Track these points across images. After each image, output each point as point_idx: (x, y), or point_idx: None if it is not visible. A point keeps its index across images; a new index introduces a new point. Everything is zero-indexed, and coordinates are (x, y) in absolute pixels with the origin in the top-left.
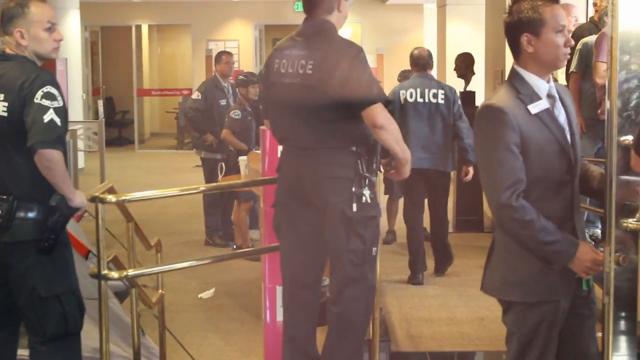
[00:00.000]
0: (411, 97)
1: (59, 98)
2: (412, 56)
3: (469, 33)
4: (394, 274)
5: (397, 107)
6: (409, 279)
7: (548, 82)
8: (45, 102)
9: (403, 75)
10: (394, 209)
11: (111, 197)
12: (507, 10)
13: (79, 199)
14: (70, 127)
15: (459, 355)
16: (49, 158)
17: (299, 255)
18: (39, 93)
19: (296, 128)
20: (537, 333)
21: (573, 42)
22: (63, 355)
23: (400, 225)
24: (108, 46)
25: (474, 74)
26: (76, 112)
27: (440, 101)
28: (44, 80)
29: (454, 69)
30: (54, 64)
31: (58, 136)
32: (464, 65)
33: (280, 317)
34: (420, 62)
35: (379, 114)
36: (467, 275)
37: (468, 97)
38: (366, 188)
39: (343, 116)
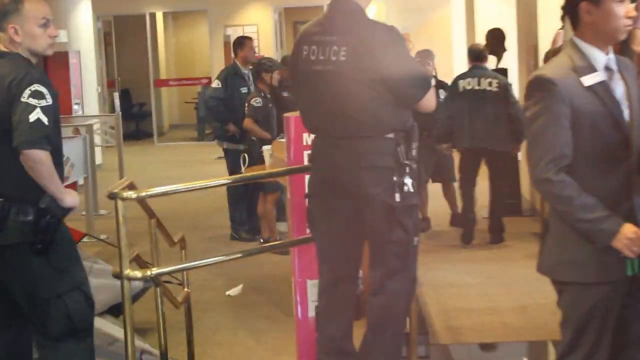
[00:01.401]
0: (469, 85)
1: (48, 96)
2: (468, 50)
3: (499, 8)
4: (430, 263)
5: (455, 96)
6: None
7: (607, 54)
8: (32, 101)
9: (421, 55)
10: (424, 196)
11: (131, 193)
12: None
13: (70, 198)
14: (86, 121)
15: (502, 346)
16: (34, 159)
17: (336, 248)
18: (27, 92)
19: (330, 117)
20: (593, 316)
21: (635, 13)
22: (71, 351)
23: (432, 211)
24: (122, 36)
25: (505, 50)
26: (91, 106)
27: (495, 88)
28: (32, 79)
29: (485, 46)
30: (66, 57)
31: (44, 136)
32: (495, 41)
33: (312, 313)
34: (475, 54)
35: (433, 99)
36: (506, 262)
37: (500, 74)
38: (407, 176)
39: (381, 103)
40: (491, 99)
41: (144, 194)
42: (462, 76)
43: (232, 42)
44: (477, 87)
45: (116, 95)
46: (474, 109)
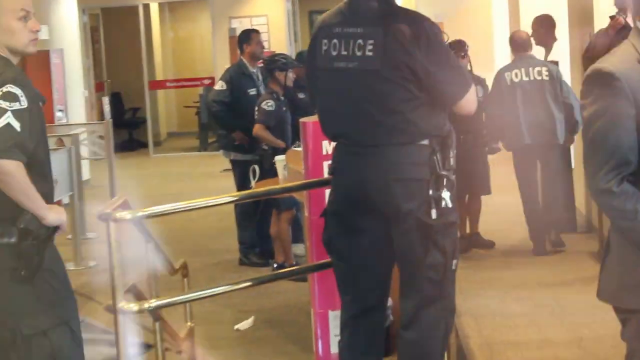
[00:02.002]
0: (516, 77)
1: (23, 99)
2: (511, 39)
3: None
4: (470, 289)
5: (504, 90)
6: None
7: None
8: (3, 104)
9: (452, 47)
10: (462, 210)
11: (125, 214)
12: None
13: (53, 216)
14: (71, 131)
15: None
16: (2, 170)
17: (360, 274)
18: None
19: (355, 122)
20: None
21: None
22: None
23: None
24: (111, 32)
25: (555, 39)
26: (77, 112)
27: (545, 77)
28: (5, 79)
29: (531, 35)
30: (47, 56)
31: (15, 144)
32: (543, 30)
33: (335, 349)
34: (519, 43)
35: (474, 100)
36: (558, 287)
37: None
38: (445, 189)
39: (414, 105)
40: (545, 90)
41: (139, 214)
42: (507, 68)
43: (238, 36)
44: (526, 78)
45: (105, 99)
46: (527, 102)
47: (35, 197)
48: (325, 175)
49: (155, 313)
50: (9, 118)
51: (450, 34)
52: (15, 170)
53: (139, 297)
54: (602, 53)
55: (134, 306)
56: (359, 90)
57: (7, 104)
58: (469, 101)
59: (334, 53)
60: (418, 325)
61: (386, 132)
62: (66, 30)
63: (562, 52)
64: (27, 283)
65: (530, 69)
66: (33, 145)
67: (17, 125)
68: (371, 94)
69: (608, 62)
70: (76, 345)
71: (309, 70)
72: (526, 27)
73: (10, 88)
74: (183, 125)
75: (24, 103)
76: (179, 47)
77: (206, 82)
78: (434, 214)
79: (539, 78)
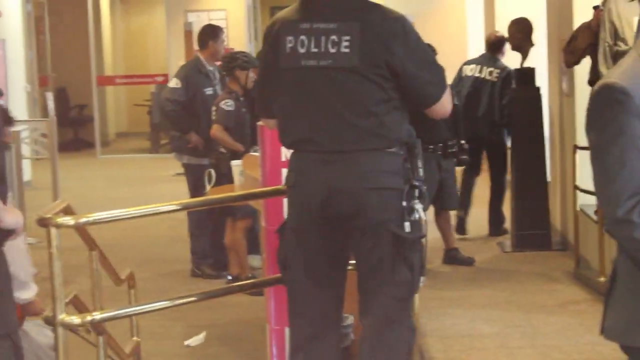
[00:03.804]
0: (471, 71)
1: None
2: (485, 39)
3: None
4: (435, 308)
5: (459, 81)
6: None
7: None
8: None
9: None
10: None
11: (68, 219)
12: None
13: (10, 217)
14: (12, 128)
15: None
16: None
17: (318, 293)
18: None
19: (323, 126)
20: None
21: None
22: None
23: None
24: (58, 22)
25: (532, 45)
26: (18, 108)
27: (494, 79)
28: None
29: (508, 40)
30: None
31: None
32: (520, 34)
33: None
34: (490, 43)
35: (450, 101)
36: (530, 307)
37: (526, 75)
38: (417, 201)
39: (389, 108)
40: (487, 89)
41: (83, 220)
42: (469, 62)
43: (194, 31)
44: (477, 75)
45: (50, 95)
46: (472, 96)
47: None
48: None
49: (99, 326)
50: None
51: (421, 36)
52: None
53: (82, 309)
54: (584, 46)
55: (75, 319)
56: (330, 90)
57: None
58: (446, 102)
59: (302, 50)
60: (382, 346)
61: (359, 136)
62: (8, 21)
63: (539, 57)
64: None
65: (485, 67)
66: None
67: None
68: (345, 94)
69: (616, 76)
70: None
71: (266, 71)
72: (501, 28)
73: None
74: (133, 125)
75: None
76: (131, 41)
77: (159, 79)
78: (407, 226)
79: (488, 78)
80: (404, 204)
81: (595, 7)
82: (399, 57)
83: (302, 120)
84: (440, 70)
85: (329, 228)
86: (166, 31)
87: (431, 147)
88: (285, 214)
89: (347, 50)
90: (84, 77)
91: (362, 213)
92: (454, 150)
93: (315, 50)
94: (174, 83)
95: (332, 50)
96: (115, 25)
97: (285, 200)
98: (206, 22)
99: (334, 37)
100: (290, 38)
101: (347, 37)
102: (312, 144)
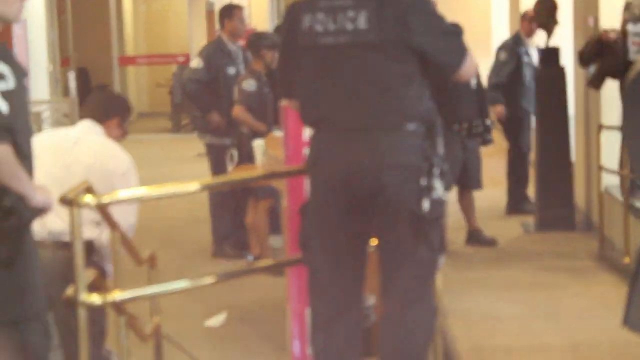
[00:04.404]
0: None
1: (10, 77)
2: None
3: None
4: (460, 289)
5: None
6: None
7: None
8: None
9: None
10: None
11: (89, 199)
12: None
13: (40, 196)
14: (34, 108)
15: None
16: None
17: (339, 273)
18: None
19: (343, 104)
20: None
21: None
22: None
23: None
24: (79, 2)
25: (556, 23)
26: (40, 88)
27: None
28: None
29: (533, 18)
30: (8, 28)
31: (3, 127)
32: (545, 12)
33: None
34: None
35: (472, 64)
36: (554, 289)
37: (550, 54)
38: (437, 179)
39: (409, 83)
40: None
41: (105, 199)
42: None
43: (216, 11)
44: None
45: (71, 75)
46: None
47: (23, 178)
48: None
49: (120, 307)
50: None
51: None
52: (4, 155)
53: (103, 289)
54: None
55: (96, 299)
56: (349, 68)
57: None
58: (469, 66)
59: (320, 29)
60: (403, 326)
61: (378, 113)
62: (30, 1)
63: (566, 38)
64: (6, 268)
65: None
66: (20, 127)
67: (4, 107)
68: (364, 70)
69: None
70: (46, 344)
71: (286, 51)
72: (526, 7)
73: None
74: (155, 105)
75: (10, 82)
76: (152, 21)
77: (180, 59)
78: (425, 204)
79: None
80: (424, 182)
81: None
82: (415, 30)
83: (322, 98)
84: (456, 37)
85: (351, 207)
86: (188, 11)
87: (456, 126)
88: (307, 194)
89: (364, 25)
90: (105, 57)
91: (382, 192)
92: (478, 130)
93: (333, 27)
94: (195, 63)
95: (350, 27)
96: (137, 5)
97: (307, 180)
98: (228, 2)
99: (351, 13)
100: (307, 16)
101: (365, 13)
102: (333, 122)
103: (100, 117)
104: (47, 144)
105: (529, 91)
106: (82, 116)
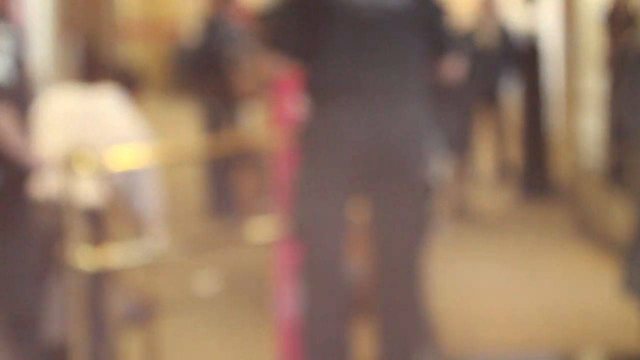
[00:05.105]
0: None
1: (5, 42)
2: None
3: None
4: (440, 261)
5: None
6: None
7: None
8: None
9: None
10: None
11: (85, 165)
12: None
13: (36, 157)
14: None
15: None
16: None
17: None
18: None
19: (373, 74)
20: None
21: None
22: None
23: None
24: None
25: None
26: (38, 55)
27: None
28: None
29: None
30: None
31: None
32: None
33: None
34: None
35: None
36: (535, 261)
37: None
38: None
39: (422, 54)
40: None
41: (103, 166)
42: None
43: None
44: None
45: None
46: None
47: (19, 138)
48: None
49: (115, 272)
50: None
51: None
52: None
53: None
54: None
55: (91, 263)
56: (385, 41)
57: None
58: (455, 62)
59: (360, 1)
60: (397, 293)
61: (402, 84)
62: None
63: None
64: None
65: None
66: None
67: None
68: (392, 41)
69: None
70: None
71: (309, 10)
72: None
73: None
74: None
75: (7, 47)
76: None
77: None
78: (431, 176)
79: None
80: (430, 155)
81: None
82: (434, 9)
83: (355, 70)
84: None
85: (365, 175)
86: None
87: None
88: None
89: (401, 1)
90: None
91: (412, 165)
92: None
93: (372, 1)
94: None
95: (389, 1)
96: None
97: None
98: None
99: None
100: None
101: None
102: (365, 92)
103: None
104: (67, 109)
105: None
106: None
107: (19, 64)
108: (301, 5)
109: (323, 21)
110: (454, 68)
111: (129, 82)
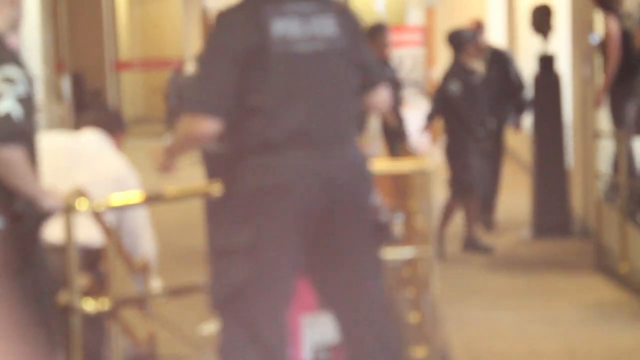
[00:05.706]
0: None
1: (23, 82)
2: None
3: None
4: (455, 295)
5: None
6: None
7: None
8: (3, 88)
9: (456, 38)
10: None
11: (83, 204)
12: None
13: (51, 198)
14: None
15: None
16: (5, 159)
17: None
18: None
19: (321, 115)
20: None
21: None
22: None
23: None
24: (74, 6)
25: (550, 28)
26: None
27: None
28: (2, 58)
29: (531, 23)
30: None
31: (17, 130)
32: (541, 18)
33: (308, 356)
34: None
35: (388, 91)
36: (550, 295)
37: (546, 61)
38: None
39: (357, 94)
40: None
41: (99, 205)
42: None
43: (211, 15)
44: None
45: (66, 80)
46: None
47: (34, 181)
48: None
49: (114, 313)
50: (10, 104)
51: (442, 22)
52: (18, 158)
53: (96, 294)
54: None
55: (91, 303)
56: (326, 77)
57: (8, 87)
58: (387, 91)
59: (295, 35)
60: (379, 330)
61: (348, 124)
62: (24, 3)
63: (563, 43)
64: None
65: None
66: (30, 131)
67: (19, 111)
68: (337, 80)
69: None
70: (53, 346)
71: (258, 57)
72: (522, 13)
73: (9, 70)
74: (150, 110)
75: (21, 87)
76: (147, 25)
77: (176, 64)
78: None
79: None
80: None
81: None
82: (363, 40)
83: (298, 110)
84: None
85: (314, 227)
86: (183, 15)
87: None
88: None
89: (335, 32)
90: (99, 62)
91: (356, 203)
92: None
93: (307, 34)
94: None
95: (327, 33)
96: (131, 10)
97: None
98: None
99: (323, 19)
100: (278, 21)
101: (333, 19)
102: (309, 136)
103: (111, 130)
104: (57, 148)
105: None
106: (86, 125)
107: (32, 107)
108: (227, 60)
109: (259, 69)
110: (383, 98)
111: (114, 126)
